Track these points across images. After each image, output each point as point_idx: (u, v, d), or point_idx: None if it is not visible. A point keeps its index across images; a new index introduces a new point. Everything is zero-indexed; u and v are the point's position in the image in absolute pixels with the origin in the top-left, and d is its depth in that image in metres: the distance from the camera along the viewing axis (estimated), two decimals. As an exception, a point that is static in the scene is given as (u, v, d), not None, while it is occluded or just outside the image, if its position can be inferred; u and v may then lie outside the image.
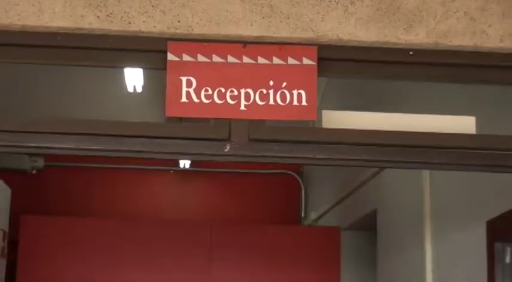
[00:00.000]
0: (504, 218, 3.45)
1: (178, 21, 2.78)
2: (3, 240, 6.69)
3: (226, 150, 2.82)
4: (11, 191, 6.98)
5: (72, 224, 7.13)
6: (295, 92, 2.82)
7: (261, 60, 2.84)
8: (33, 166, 8.98)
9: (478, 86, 3.53)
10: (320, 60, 2.83)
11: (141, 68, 4.82)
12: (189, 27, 2.79)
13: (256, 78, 2.82)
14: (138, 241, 7.01)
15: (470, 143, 2.91)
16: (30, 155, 8.88)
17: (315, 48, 2.83)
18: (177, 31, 2.79)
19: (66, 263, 6.86)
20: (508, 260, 3.49)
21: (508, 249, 3.48)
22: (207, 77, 2.81)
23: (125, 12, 2.76)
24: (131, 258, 6.93)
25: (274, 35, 2.81)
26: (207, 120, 2.83)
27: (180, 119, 2.89)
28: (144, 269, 6.91)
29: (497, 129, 3.06)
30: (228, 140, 2.81)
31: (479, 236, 3.72)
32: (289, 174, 9.56)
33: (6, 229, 6.78)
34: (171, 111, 2.79)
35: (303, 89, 2.82)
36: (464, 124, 2.95)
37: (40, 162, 9.02)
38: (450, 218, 4.77)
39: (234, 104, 2.80)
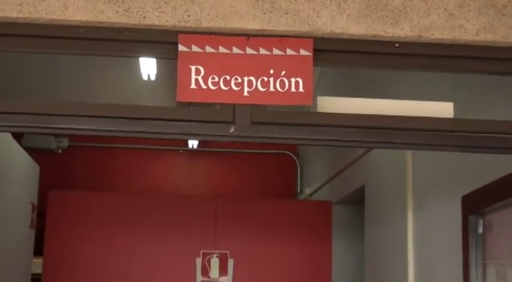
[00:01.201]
0: (477, 193, 3.46)
1: (188, 16, 2.77)
2: (33, 212, 6.71)
3: (230, 131, 2.81)
4: (40, 168, 6.99)
5: (93, 198, 7.14)
6: (293, 80, 2.82)
7: (263, 51, 2.83)
8: (58, 146, 9.01)
9: (455, 75, 3.52)
10: (315, 51, 2.82)
11: (154, 57, 4.82)
12: (197, 21, 2.78)
13: (258, 67, 2.81)
14: (151, 213, 7.03)
15: (448, 126, 2.91)
16: (56, 136, 8.92)
17: (311, 40, 2.83)
18: (187, 25, 2.78)
19: (89, 233, 6.88)
20: (480, 230, 3.49)
21: (481, 221, 3.49)
22: (214, 66, 2.80)
23: (140, 7, 2.76)
24: (145, 227, 6.95)
25: (274, 29, 2.81)
26: (213, 104, 2.83)
27: (189, 104, 2.88)
28: (156, 237, 6.93)
29: (472, 113, 3.05)
30: (232, 122, 2.81)
31: (455, 210, 3.73)
32: (287, 154, 9.58)
33: (35, 202, 6.80)
34: (181, 97, 2.78)
35: (300, 77, 2.82)
36: (443, 109, 2.95)
37: (65, 143, 9.05)
38: (430, 193, 4.77)
39: (238, 90, 2.79)
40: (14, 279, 6.16)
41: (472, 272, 3.49)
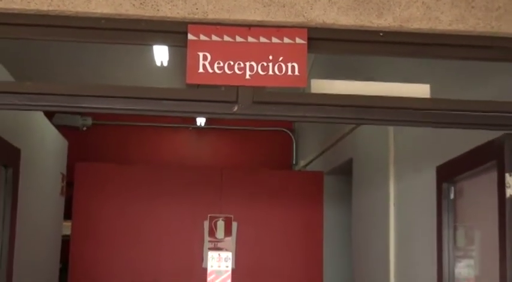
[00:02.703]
0: (449, 164, 3.47)
1: (197, 9, 2.77)
2: (62, 181, 6.73)
3: (234, 110, 2.82)
4: (68, 143, 7.00)
5: (114, 169, 7.15)
6: (289, 65, 2.82)
7: (262, 39, 2.83)
8: (83, 124, 9.02)
9: (432, 60, 3.52)
10: (309, 40, 2.83)
11: (166, 45, 4.80)
12: (205, 13, 2.78)
13: (258, 54, 2.81)
14: (165, 182, 7.04)
15: (425, 105, 2.92)
16: (82, 115, 8.93)
17: (305, 30, 2.83)
18: (196, 16, 2.78)
19: (110, 199, 6.90)
20: (452, 196, 3.50)
21: (452, 188, 3.50)
22: (219, 52, 2.80)
23: (154, 1, 2.76)
24: (159, 195, 6.97)
25: (273, 20, 2.81)
26: (219, 86, 2.84)
27: (198, 86, 2.89)
28: (169, 203, 6.95)
29: (446, 94, 3.06)
30: (235, 102, 2.81)
31: (430, 178, 3.74)
32: (284, 130, 9.58)
33: (65, 173, 6.82)
34: (191, 80, 2.79)
35: (295, 62, 2.82)
36: (421, 90, 2.96)
37: (89, 121, 9.05)
38: (409, 164, 4.78)
39: (241, 74, 2.80)
40: (48, 239, 6.21)
41: (445, 232, 3.51)
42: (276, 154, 9.48)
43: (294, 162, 9.43)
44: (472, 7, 2.84)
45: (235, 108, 2.81)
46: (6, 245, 3.39)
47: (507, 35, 2.87)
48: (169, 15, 2.78)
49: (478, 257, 3.32)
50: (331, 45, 2.93)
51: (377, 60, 4.53)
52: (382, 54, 3.09)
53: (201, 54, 2.78)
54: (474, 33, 2.86)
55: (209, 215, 6.95)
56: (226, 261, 6.96)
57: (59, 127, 6.96)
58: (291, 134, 9.59)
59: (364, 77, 3.49)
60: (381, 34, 2.86)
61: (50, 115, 6.68)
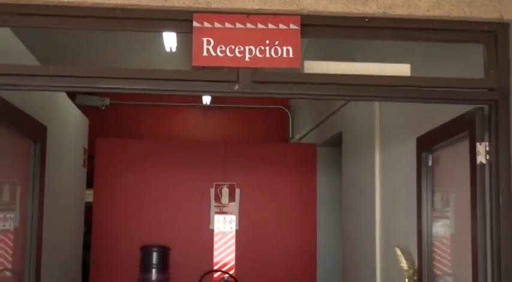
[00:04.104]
0: (428, 135, 3.47)
1: (201, -1, 2.77)
2: (84, 154, 6.76)
3: (235, 89, 2.83)
4: (88, 121, 7.02)
5: (129, 143, 7.17)
6: (284, 48, 2.82)
7: (260, 26, 2.83)
8: (102, 104, 9.01)
9: (412, 43, 3.52)
10: (302, 26, 2.83)
11: (174, 32, 4.79)
12: (208, 3, 2.78)
13: (256, 39, 2.82)
14: (175, 155, 7.06)
15: (406, 82, 2.93)
16: (100, 95, 8.92)
17: (299, 17, 2.83)
18: (200, 6, 2.78)
19: (127, 170, 6.93)
20: (430, 163, 3.51)
21: (430, 156, 3.49)
22: (221, 38, 2.81)
23: (164, -8, 2.76)
24: (170, 166, 6.99)
25: (269, 8, 2.81)
26: (221, 68, 2.85)
27: (203, 68, 2.89)
28: (179, 173, 6.97)
29: (424, 72, 3.07)
30: (236, 81, 2.82)
31: (411, 148, 3.75)
32: (280, 108, 9.57)
33: (86, 147, 6.85)
34: (196, 62, 2.80)
35: (290, 46, 2.82)
36: (402, 69, 2.96)
37: (107, 101, 9.04)
38: (392, 135, 4.79)
39: (241, 56, 2.80)
40: (73, 206, 6.26)
41: (424, 195, 3.52)
42: (274, 129, 9.49)
43: (290, 136, 9.43)
44: (447, -6, 2.83)
45: (236, 87, 2.82)
46: (36, 211, 3.43)
47: (477, 20, 2.88)
48: (176, 5, 2.78)
49: (453, 217, 3.34)
50: (321, 31, 2.93)
51: (363, 43, 4.52)
52: (367, 38, 3.10)
53: (205, 40, 2.79)
54: (449, 18, 2.87)
55: (215, 183, 6.99)
56: (231, 223, 7.07)
57: (80, 107, 6.97)
58: (287, 111, 9.59)
59: (352, 58, 3.49)
60: (366, 20, 2.86)
61: (72, 96, 6.67)
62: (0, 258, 3.10)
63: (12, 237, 3.28)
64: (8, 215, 3.24)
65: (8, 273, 3.29)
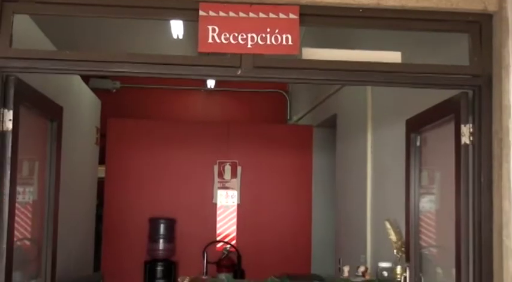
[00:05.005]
0: (416, 117, 3.47)
1: (207, -11, 2.76)
2: (97, 133, 6.77)
3: (238, 73, 2.84)
4: (101, 102, 7.02)
5: (139, 124, 7.19)
6: (284, 36, 2.82)
7: (262, 15, 2.83)
8: (113, 87, 8.98)
9: (403, 32, 3.51)
10: (301, 15, 2.83)
11: (181, 20, 4.77)
12: (214, -8, 2.78)
13: (258, 27, 2.82)
14: (181, 134, 7.08)
15: (397, 68, 2.94)
16: (112, 78, 8.89)
17: (298, 7, 2.83)
18: (206, -5, 2.78)
19: (136, 148, 6.95)
20: (418, 144, 3.51)
21: (418, 137, 3.49)
22: (226, 26, 2.80)
23: (172, -17, 2.74)
24: (177, 144, 7.02)
25: (271, -2, 2.80)
26: (225, 54, 2.85)
27: (208, 54, 2.89)
28: (185, 151, 7.00)
29: (414, 59, 3.07)
30: (239, 66, 2.83)
31: (401, 129, 3.75)
32: (279, 92, 9.54)
33: (98, 126, 6.86)
34: (202, 48, 2.80)
35: (289, 34, 2.82)
36: (393, 56, 2.96)
37: (118, 84, 9.01)
38: (383, 118, 4.80)
39: (244, 43, 2.80)
40: (86, 180, 6.29)
41: (412, 173, 3.53)
42: (273, 111, 9.47)
43: (288, 118, 9.43)
44: (436, -13, 2.82)
45: (239, 72, 2.83)
46: (53, 185, 3.45)
47: (463, 11, 2.88)
48: (184, -6, 2.77)
49: (438, 194, 3.36)
50: (319, 20, 2.92)
51: (358, 32, 4.50)
52: (361, 27, 3.09)
53: (210, 28, 2.79)
54: (437, 9, 2.86)
55: (218, 161, 7.02)
56: (233, 197, 7.11)
57: (93, 90, 6.96)
58: (285, 94, 9.57)
59: (347, 46, 3.48)
60: (361, 10, 2.86)
61: (86, 80, 6.66)
62: (20, 228, 3.13)
63: (31, 209, 3.30)
64: (27, 189, 3.27)
65: (28, 242, 3.32)
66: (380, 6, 2.84)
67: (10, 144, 2.74)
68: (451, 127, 2.98)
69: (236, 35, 2.79)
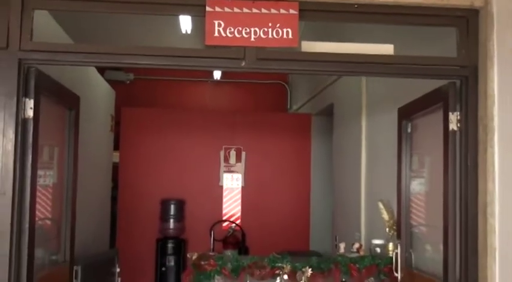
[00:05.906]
0: (408, 106, 3.47)
1: (213, -14, 2.74)
2: (112, 121, 6.77)
3: (242, 65, 2.84)
4: (115, 93, 7.01)
5: (150, 112, 7.19)
6: (284, 30, 2.82)
7: (264, 10, 2.82)
8: (127, 78, 8.96)
9: (397, 26, 3.49)
10: (300, 11, 2.82)
11: (189, 15, 4.74)
12: (220, -11, 2.76)
13: (260, 22, 2.81)
14: (190, 122, 7.08)
15: (390, 60, 2.93)
16: (125, 70, 8.87)
17: (297, 3, 2.82)
18: (213, -8, 2.76)
19: (148, 135, 6.96)
20: (409, 130, 3.51)
21: (409, 124, 3.49)
22: (230, 20, 2.80)
23: (180, -20, 2.73)
24: (186, 132, 7.02)
25: (272, -6, 2.78)
26: (230, 47, 2.85)
27: (214, 47, 2.89)
28: (193, 137, 7.00)
29: (406, 51, 3.06)
30: (243, 58, 2.83)
31: (393, 117, 3.75)
32: (280, 83, 9.51)
33: (113, 114, 6.86)
34: (209, 42, 2.80)
35: (289, 28, 2.82)
36: (386, 49, 2.96)
37: (131, 76, 8.99)
38: (377, 106, 4.79)
39: (247, 37, 2.80)
40: (102, 164, 6.31)
41: (403, 158, 3.54)
42: (274, 100, 9.45)
43: (288, 107, 9.41)
44: (427, -17, 2.80)
45: (243, 64, 2.83)
46: (71, 169, 3.46)
47: (452, 6, 2.86)
48: (192, -9, 2.75)
49: (427, 177, 3.37)
50: (317, 15, 2.91)
51: (353, 26, 4.48)
52: (356, 22, 3.07)
53: (216, 22, 2.78)
54: (428, 4, 2.85)
55: (224, 146, 7.03)
56: (237, 180, 7.13)
57: (108, 81, 6.95)
58: (286, 85, 9.54)
59: (343, 39, 3.46)
60: (356, 6, 2.85)
61: (101, 72, 6.65)
62: (41, 209, 3.15)
63: (51, 191, 3.32)
64: (47, 172, 3.28)
65: (48, 222, 3.35)
66: (374, 1, 2.83)
67: (31, 130, 2.76)
68: (439, 115, 2.98)
69: (240, 29, 2.79)
